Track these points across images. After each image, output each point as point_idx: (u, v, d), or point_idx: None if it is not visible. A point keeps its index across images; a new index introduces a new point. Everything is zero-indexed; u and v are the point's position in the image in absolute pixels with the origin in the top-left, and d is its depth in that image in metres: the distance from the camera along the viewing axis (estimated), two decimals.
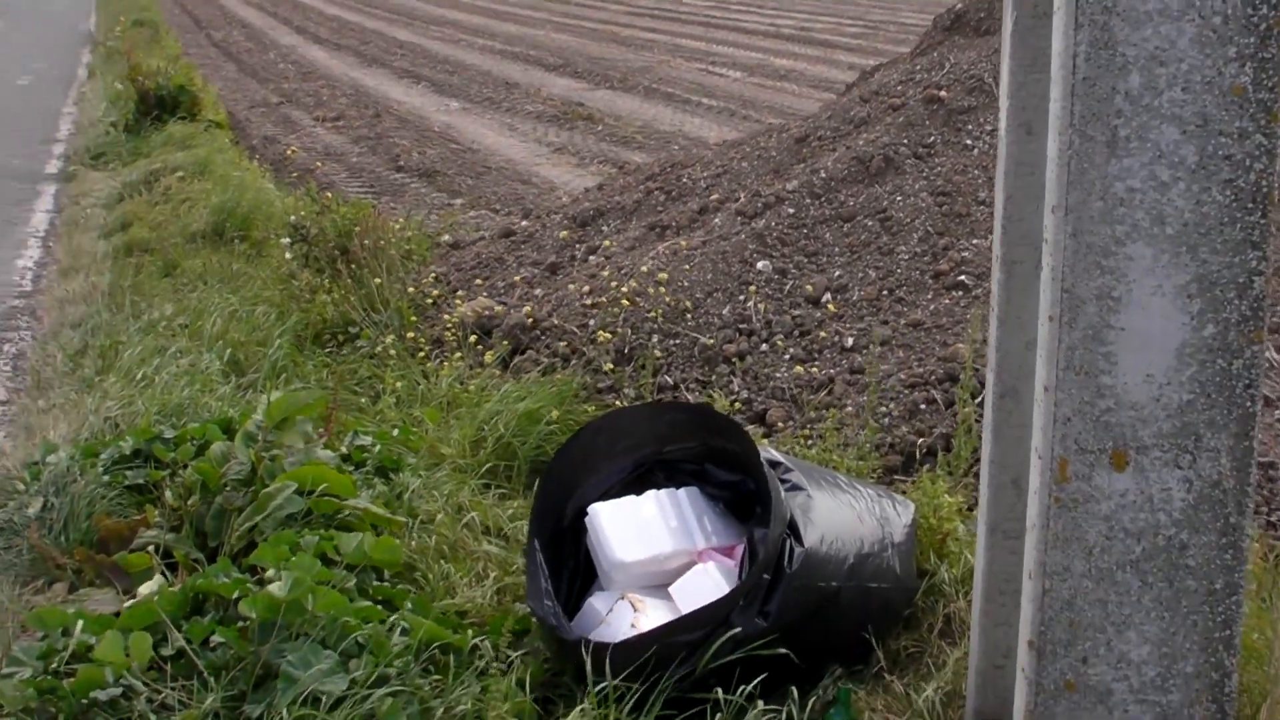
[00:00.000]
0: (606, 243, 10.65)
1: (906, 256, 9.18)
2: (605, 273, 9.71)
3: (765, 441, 7.25)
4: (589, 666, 5.07)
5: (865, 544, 5.55)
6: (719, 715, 4.91)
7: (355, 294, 10.11)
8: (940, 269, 8.97)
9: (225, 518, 6.34)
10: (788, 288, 9.15)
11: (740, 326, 8.80)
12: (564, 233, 11.09)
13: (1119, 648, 4.07)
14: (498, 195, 15.87)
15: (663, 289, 9.04)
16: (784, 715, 5.00)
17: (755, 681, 5.02)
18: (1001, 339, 4.72)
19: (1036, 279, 4.07)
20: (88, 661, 5.32)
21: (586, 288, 9.55)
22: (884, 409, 7.62)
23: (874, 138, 10.31)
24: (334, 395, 7.48)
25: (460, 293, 10.28)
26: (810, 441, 7.29)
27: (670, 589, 5.52)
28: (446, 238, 12.41)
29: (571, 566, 5.92)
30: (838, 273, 9.19)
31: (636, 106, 22.98)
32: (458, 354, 8.94)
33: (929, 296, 8.79)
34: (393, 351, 9.13)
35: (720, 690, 4.96)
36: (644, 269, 9.41)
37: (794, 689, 5.06)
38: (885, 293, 8.93)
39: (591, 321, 9.01)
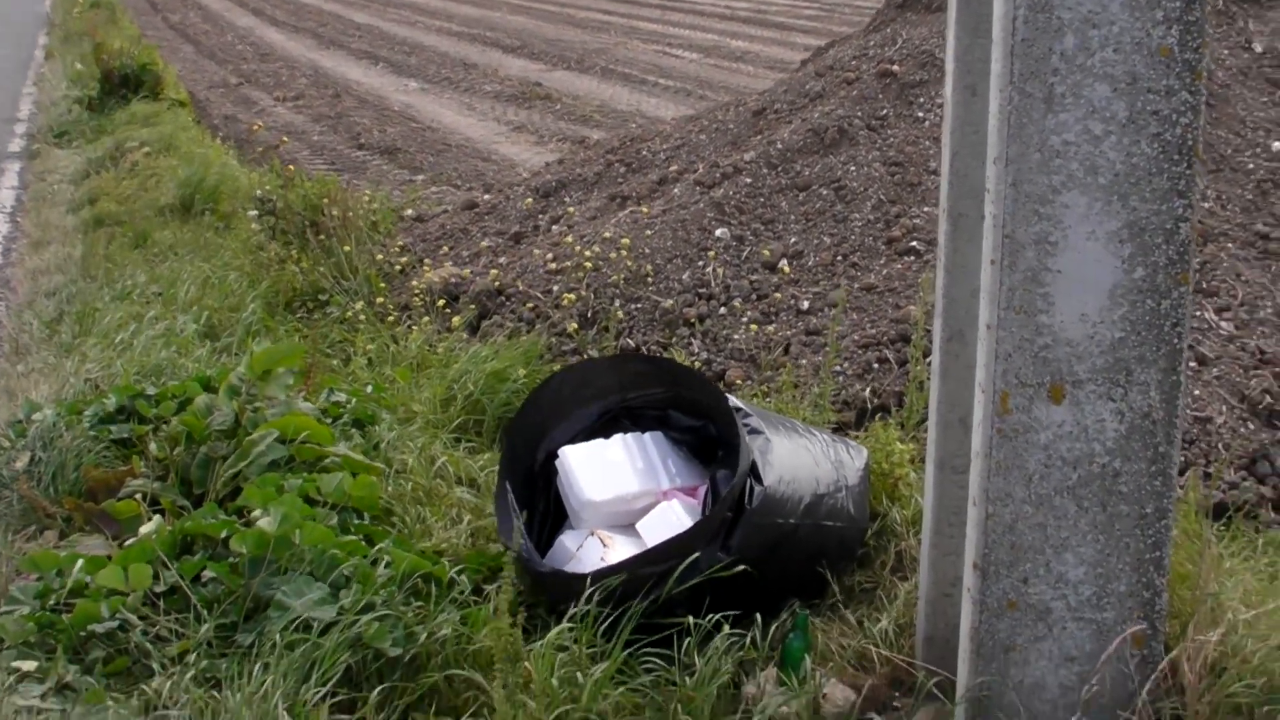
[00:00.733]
0: (570, 210, 10.94)
1: (860, 224, 9.49)
2: (568, 240, 10.00)
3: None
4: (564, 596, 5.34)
5: (821, 485, 5.84)
6: (687, 640, 5.17)
7: (324, 263, 10.38)
8: (893, 235, 9.28)
9: (210, 466, 6.62)
10: (745, 254, 9.45)
11: (699, 291, 9.10)
12: (528, 201, 11.37)
13: (1057, 568, 4.39)
14: (459, 172, 16.08)
15: (625, 254, 9.33)
16: (746, 640, 5.27)
17: (721, 610, 5.28)
18: (948, 286, 5.00)
19: (980, 230, 4.36)
20: (84, 598, 5.60)
21: (550, 255, 9.83)
22: (838, 368, 7.92)
23: (829, 110, 10.62)
24: (313, 350, 7.75)
25: (427, 262, 10.56)
26: (768, 398, 7.57)
27: (637, 526, 5.82)
28: (410, 211, 12.67)
29: (542, 508, 6.21)
30: (794, 239, 9.50)
31: (594, 87, 23.19)
32: (426, 318, 9.23)
33: (882, 262, 9.10)
34: (363, 317, 9.42)
35: (690, 617, 5.24)
36: (606, 235, 9.71)
37: (757, 616, 5.35)
38: (840, 258, 9.24)
39: (555, 287, 9.31)
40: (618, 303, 9.00)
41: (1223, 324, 8.03)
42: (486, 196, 12.42)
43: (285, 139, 17.63)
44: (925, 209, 9.40)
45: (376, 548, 5.72)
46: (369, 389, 7.92)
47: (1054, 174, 4.11)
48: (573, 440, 6.23)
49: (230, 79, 24.48)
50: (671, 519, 5.74)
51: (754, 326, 8.63)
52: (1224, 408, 7.20)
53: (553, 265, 9.63)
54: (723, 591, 5.37)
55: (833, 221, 9.59)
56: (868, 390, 7.68)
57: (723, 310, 8.91)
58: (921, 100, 10.48)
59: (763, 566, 5.50)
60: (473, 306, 9.39)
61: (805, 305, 8.78)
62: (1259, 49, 10.74)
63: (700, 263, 9.35)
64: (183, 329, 9.12)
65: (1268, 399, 7.30)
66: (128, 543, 6.04)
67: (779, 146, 10.34)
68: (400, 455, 7.04)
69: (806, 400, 7.34)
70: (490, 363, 8.14)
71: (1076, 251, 4.15)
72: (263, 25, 35.28)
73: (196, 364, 8.34)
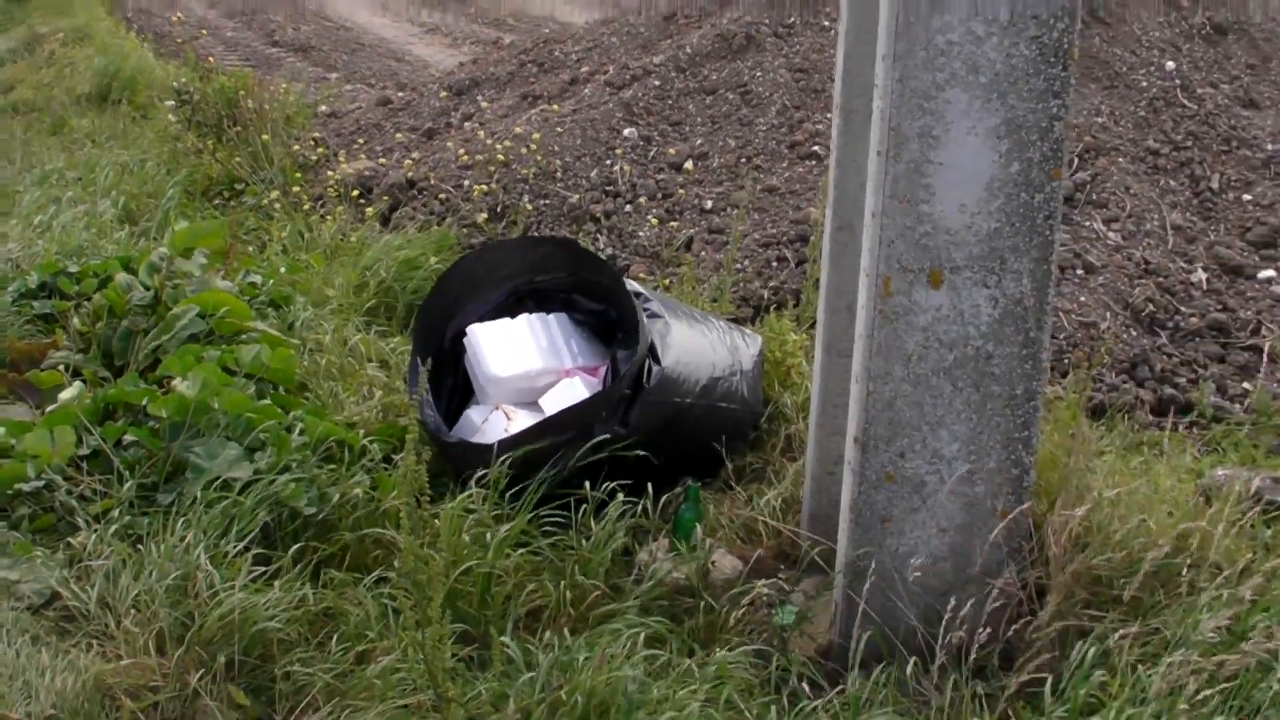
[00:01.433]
0: (484, 107, 11.15)
1: (764, 128, 9.75)
2: (480, 135, 10.20)
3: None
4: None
5: (716, 368, 6.12)
6: (584, 507, 5.46)
7: (241, 153, 10.55)
8: (796, 140, 9.55)
9: (131, 338, 6.84)
10: (652, 154, 9.71)
11: (607, 188, 9.35)
12: (442, 96, 11.55)
13: (933, 444, 4.64)
14: (372, 70, 16.20)
15: (534, 150, 9.56)
16: (639, 510, 5.57)
17: (617, 480, 5.55)
18: (839, 179, 5.26)
19: (870, 126, 4.57)
20: (9, 460, 5.83)
21: (462, 150, 10.06)
22: (739, 265, 8.19)
23: (738, 16, 10.87)
24: (231, 230, 7.95)
25: (341, 155, 10.75)
26: (670, 291, 7.80)
27: (540, 401, 6.08)
28: (325, 108, 12.83)
29: (450, 385, 6.46)
30: (699, 141, 9.76)
31: None
32: (340, 208, 9.42)
33: (784, 165, 9.37)
34: (278, 206, 9.61)
35: (587, 485, 5.51)
36: (517, 131, 9.93)
37: (650, 487, 5.63)
38: (743, 160, 9.51)
39: (467, 181, 9.53)
40: (526, 198, 9.23)
41: (1110, 234, 8.33)
42: (400, 94, 12.60)
43: (203, 32, 17.65)
44: (828, 115, 9.63)
45: (291, 415, 5.97)
46: (284, 272, 8.12)
47: (938, 71, 4.33)
48: (481, 320, 6.46)
49: None
50: (573, 395, 6.01)
51: (658, 223, 8.88)
52: (1108, 314, 7.49)
53: (465, 160, 9.84)
54: (621, 466, 5.64)
55: (738, 125, 9.85)
56: (766, 288, 7.93)
57: (629, 208, 9.16)
58: (828, 9, 10.74)
59: (658, 443, 5.77)
60: (385, 198, 9.61)
61: (709, 204, 9.04)
62: None
63: (608, 161, 9.60)
64: (102, 213, 9.28)
65: (1150, 307, 7.60)
66: (49, 409, 6.25)
67: (688, 51, 10.58)
68: (315, 335, 7.27)
69: (706, 293, 7.59)
70: (402, 251, 8.37)
71: (957, 145, 4.37)
72: None
73: (115, 245, 8.52)
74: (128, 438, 5.86)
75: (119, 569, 5.07)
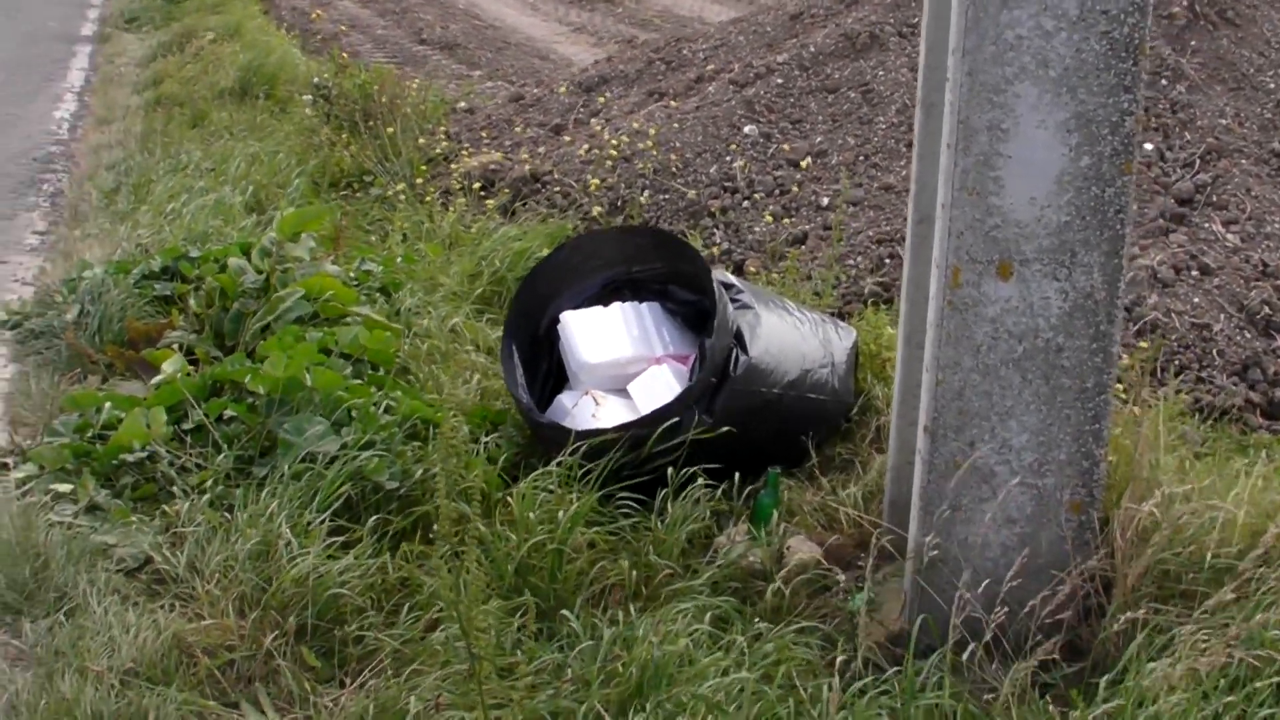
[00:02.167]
0: (609, 104, 11.29)
1: (884, 126, 9.80)
2: (604, 131, 10.35)
3: None
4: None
5: (807, 360, 6.20)
6: (663, 490, 5.56)
7: (371, 146, 10.78)
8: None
9: (241, 320, 7.08)
10: (771, 151, 9.79)
11: (725, 184, 9.45)
12: (572, 91, 11.72)
13: (1002, 435, 4.68)
14: (515, 68, 16.33)
15: (652, 145, 9.69)
16: (721, 493, 5.67)
17: (701, 466, 5.65)
18: (920, 172, 5.31)
19: None
20: (118, 432, 6.07)
21: (585, 146, 10.21)
22: (851, 262, 8.25)
23: (862, 16, 10.93)
24: (341, 214, 8.13)
25: (468, 149, 10.93)
26: (782, 287, 7.88)
27: (628, 387, 6.20)
28: (463, 104, 13.00)
29: (545, 369, 6.61)
30: (819, 139, 9.82)
31: None
32: (462, 200, 9.60)
33: (902, 164, 9.39)
34: (403, 197, 9.82)
35: (671, 470, 5.62)
36: (636, 127, 10.06)
37: (736, 475, 5.74)
38: (862, 158, 9.56)
39: (588, 175, 9.68)
40: (645, 193, 9.35)
41: (1229, 236, 8.26)
42: (534, 90, 12.77)
43: (344, 27, 17.93)
44: None
45: (379, 392, 6.15)
46: (399, 261, 8.30)
47: (1007, 65, 4.38)
48: (577, 307, 6.60)
49: None
50: (661, 382, 6.13)
51: (773, 220, 8.96)
52: (1222, 316, 7.44)
53: (588, 155, 9.99)
54: (705, 453, 5.74)
55: (858, 123, 9.91)
56: (877, 284, 7.98)
57: (745, 204, 9.25)
58: None
59: (744, 431, 5.87)
60: (507, 191, 9.79)
61: (825, 201, 9.10)
62: None
63: (727, 158, 9.70)
64: (230, 201, 9.51)
65: (1265, 310, 7.53)
66: (153, 382, 6.50)
67: (812, 49, 10.66)
68: (422, 321, 7.43)
69: (812, 288, 7.66)
70: (518, 242, 8.53)
71: (1026, 139, 4.42)
72: None
73: (240, 232, 8.74)
74: (228, 413, 6.09)
75: (209, 536, 5.29)
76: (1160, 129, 8.94)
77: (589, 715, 4.30)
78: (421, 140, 10.95)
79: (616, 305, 6.53)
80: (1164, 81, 9.25)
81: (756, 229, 8.92)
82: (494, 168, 10.22)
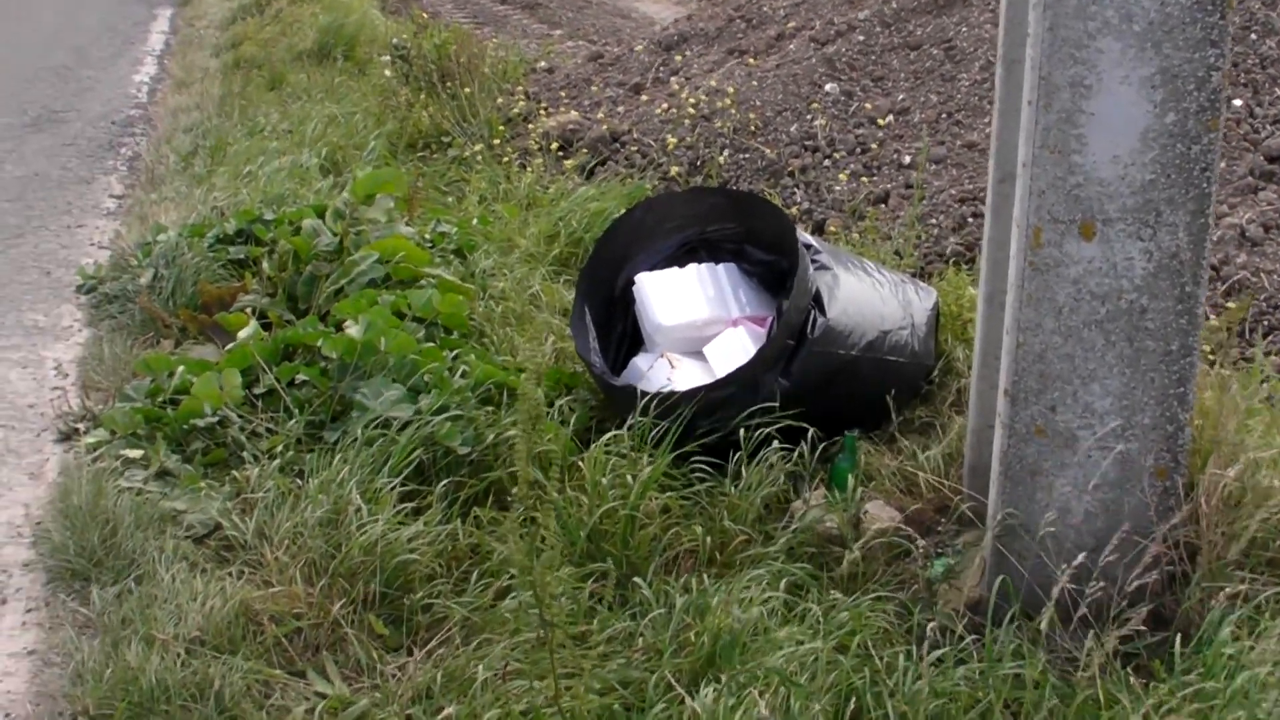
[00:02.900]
0: (689, 63, 11.18)
1: (967, 83, 9.64)
2: (683, 92, 10.24)
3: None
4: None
5: (886, 321, 6.09)
6: (737, 454, 5.47)
7: (449, 107, 10.71)
8: None
9: (314, 283, 7.03)
10: (852, 109, 9.66)
11: (805, 143, 9.32)
12: (651, 50, 11.60)
13: (1084, 398, 4.56)
14: (596, 28, 16.25)
15: (731, 105, 9.58)
16: (796, 456, 5.57)
17: (780, 433, 5.56)
18: (1000, 130, 5.18)
19: None
20: (190, 397, 6.03)
21: (664, 105, 10.10)
22: (934, 220, 8.13)
23: None
24: (415, 176, 8.08)
25: (547, 109, 10.86)
26: (863, 246, 7.78)
27: (704, 350, 6.12)
28: (543, 64, 12.92)
29: (620, 331, 6.54)
30: (901, 96, 9.68)
31: None
32: (540, 161, 9.53)
33: (986, 121, 9.23)
34: (480, 158, 9.75)
35: (743, 433, 5.52)
36: (715, 86, 9.95)
37: (814, 436, 5.62)
38: (944, 116, 9.41)
39: (667, 135, 9.58)
40: (725, 152, 9.25)
41: None
42: (614, 49, 12.67)
43: None
44: None
45: (453, 354, 6.07)
46: (475, 222, 8.24)
47: (1090, 20, 4.25)
48: (652, 269, 6.51)
49: None
50: (737, 345, 6.03)
51: (853, 178, 8.84)
52: None
53: (666, 115, 9.89)
54: (781, 416, 5.63)
55: (941, 80, 9.76)
56: (961, 243, 7.86)
57: (826, 163, 9.13)
58: None
59: (824, 395, 5.79)
60: (585, 151, 9.70)
61: (906, 160, 8.98)
62: None
63: (808, 116, 9.57)
64: (306, 163, 9.49)
65: None
66: (229, 348, 6.45)
67: (894, 5, 10.52)
68: (497, 283, 7.36)
69: (892, 248, 7.55)
70: (595, 203, 8.44)
71: (1110, 95, 4.29)
72: None
73: (316, 194, 8.71)
74: (300, 377, 6.03)
75: (279, 503, 5.25)
76: (1249, 84, 8.74)
77: (660, 685, 4.23)
78: (500, 100, 10.89)
79: (692, 266, 6.44)
80: (1253, 36, 9.05)
81: (837, 188, 8.80)
82: (572, 128, 10.14)
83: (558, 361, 6.56)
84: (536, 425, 4.52)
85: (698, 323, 6.23)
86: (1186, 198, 4.36)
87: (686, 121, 9.54)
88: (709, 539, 5.07)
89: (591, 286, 6.44)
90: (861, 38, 10.29)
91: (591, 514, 4.96)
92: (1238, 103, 8.53)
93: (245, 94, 12.42)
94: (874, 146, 9.16)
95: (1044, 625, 4.41)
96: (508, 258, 7.78)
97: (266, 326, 6.83)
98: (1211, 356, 5.62)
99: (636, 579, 4.74)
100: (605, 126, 9.95)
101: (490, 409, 5.80)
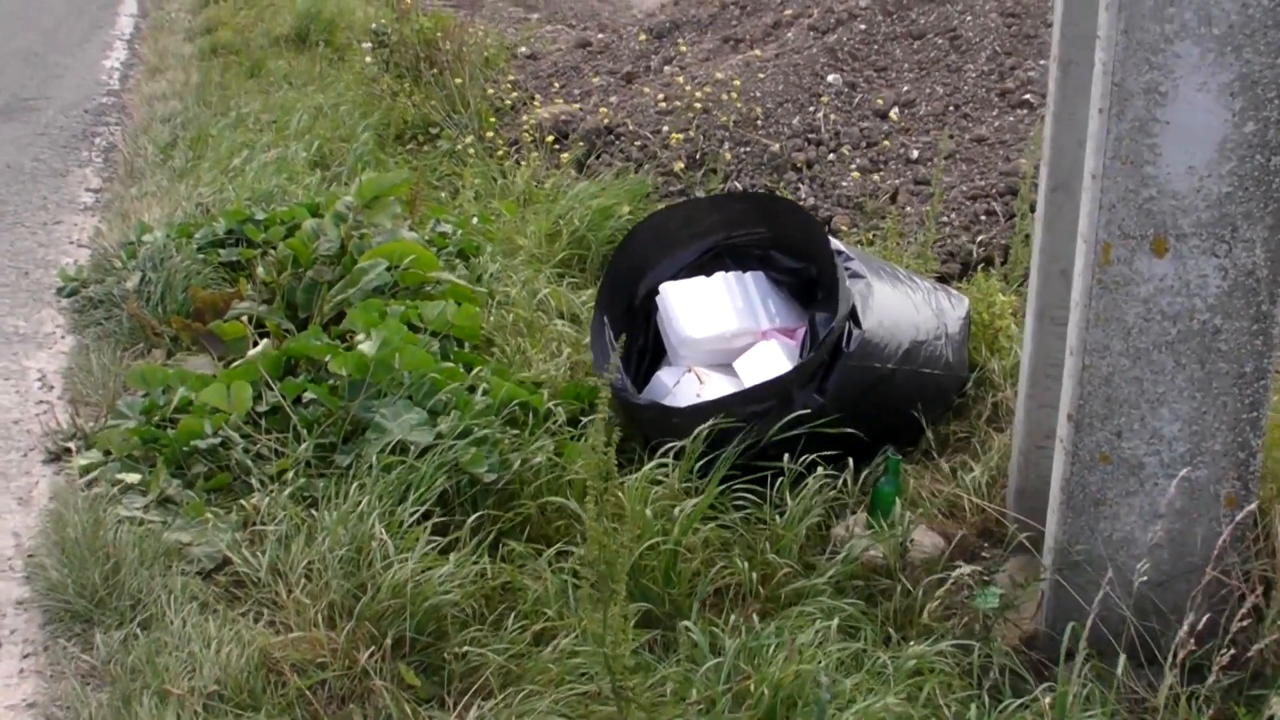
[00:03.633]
0: (683, 51, 10.92)
1: (974, 74, 9.40)
2: (680, 80, 9.97)
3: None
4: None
5: (920, 331, 5.83)
6: (779, 480, 5.19)
7: (436, 96, 10.43)
8: (1006, 87, 9.18)
9: (316, 290, 6.72)
10: (856, 100, 9.40)
11: (809, 136, 9.06)
12: (642, 37, 11.35)
13: (1152, 424, 4.31)
14: (574, 11, 15.97)
15: (734, 96, 9.31)
16: (839, 483, 5.29)
17: (814, 453, 5.29)
18: (1055, 135, 4.94)
19: (1090, 79, 4.26)
20: (188, 415, 5.71)
21: (661, 95, 9.82)
22: (945, 219, 7.87)
23: None
24: (419, 179, 7.80)
25: (537, 99, 10.58)
26: (873, 245, 7.54)
27: (735, 364, 5.83)
28: (524, 49, 12.64)
29: (640, 344, 6.24)
30: (906, 88, 9.43)
31: None
32: (535, 154, 9.24)
33: (994, 114, 9.01)
34: (472, 151, 9.46)
35: (785, 457, 5.24)
36: (718, 77, 9.68)
37: (850, 460, 5.35)
38: (951, 108, 9.16)
39: (665, 127, 9.30)
40: (726, 145, 8.98)
41: None
42: (600, 36, 12.40)
43: None
44: (1041, 62, 9.29)
45: (473, 373, 5.77)
46: (475, 221, 7.95)
47: (1167, 22, 4.01)
48: (674, 277, 6.23)
49: None
50: (769, 359, 5.76)
51: (860, 174, 8.59)
52: None
53: (663, 105, 9.62)
54: (817, 434, 5.36)
55: (946, 71, 9.51)
56: (974, 243, 7.62)
57: (831, 156, 8.88)
58: None
59: (858, 410, 5.50)
60: (581, 144, 9.42)
61: (914, 154, 8.73)
62: None
63: (811, 108, 9.31)
64: (294, 157, 9.19)
65: None
66: (234, 363, 6.14)
67: None
68: (503, 287, 7.09)
69: (910, 249, 7.31)
70: (596, 200, 8.17)
71: (1186, 103, 4.05)
72: None
73: (306, 191, 8.43)
74: (308, 395, 5.71)
75: (292, 534, 4.92)
76: None
77: None
78: (489, 90, 10.59)
79: (719, 275, 6.14)
80: None
81: (844, 183, 8.54)
82: (566, 119, 9.86)
83: (573, 374, 6.29)
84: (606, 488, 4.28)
85: (726, 335, 5.94)
86: (1265, 212, 4.12)
87: (689, 114, 9.26)
88: (754, 575, 4.79)
89: (611, 298, 6.15)
90: (863, 26, 10.04)
91: (633, 551, 4.65)
92: None
93: (224, 81, 12.09)
94: (881, 140, 8.91)
95: (1119, 670, 4.18)
96: (512, 260, 7.49)
97: (263, 335, 6.53)
98: None
99: (686, 624, 4.44)
100: (600, 117, 9.66)
101: (514, 432, 5.48)
